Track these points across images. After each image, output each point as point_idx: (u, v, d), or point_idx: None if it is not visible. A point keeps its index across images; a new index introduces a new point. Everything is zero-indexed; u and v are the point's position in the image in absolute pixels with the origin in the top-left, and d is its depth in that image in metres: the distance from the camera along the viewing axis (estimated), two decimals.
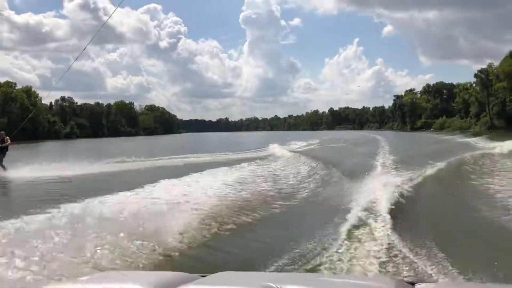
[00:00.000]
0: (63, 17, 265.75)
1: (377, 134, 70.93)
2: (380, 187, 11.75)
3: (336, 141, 47.06)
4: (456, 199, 11.70)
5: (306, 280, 2.19)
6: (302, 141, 44.73)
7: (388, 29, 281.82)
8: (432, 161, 19.04)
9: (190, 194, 10.65)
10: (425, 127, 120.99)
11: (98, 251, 6.25)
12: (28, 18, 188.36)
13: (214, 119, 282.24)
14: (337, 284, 2.17)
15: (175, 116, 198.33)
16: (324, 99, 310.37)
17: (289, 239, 7.54)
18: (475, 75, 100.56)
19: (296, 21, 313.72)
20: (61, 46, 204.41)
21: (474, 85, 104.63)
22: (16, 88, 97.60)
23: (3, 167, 18.37)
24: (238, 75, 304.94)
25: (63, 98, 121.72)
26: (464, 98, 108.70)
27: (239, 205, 10.14)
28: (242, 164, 19.32)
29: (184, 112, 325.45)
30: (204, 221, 8.39)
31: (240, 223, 8.87)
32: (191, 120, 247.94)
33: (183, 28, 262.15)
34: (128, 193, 10.78)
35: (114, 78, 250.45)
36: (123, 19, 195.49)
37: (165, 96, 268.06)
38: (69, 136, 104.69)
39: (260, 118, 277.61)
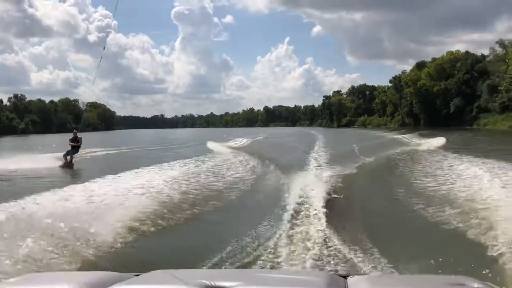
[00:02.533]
0: None
1: (310, 130, 74.97)
2: (315, 181, 11.48)
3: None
4: (387, 193, 11.50)
5: (240, 276, 2.07)
6: (244, 137, 44.26)
7: (317, 29, 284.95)
8: (364, 156, 19.07)
9: (124, 191, 9.87)
10: (350, 124, 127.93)
11: (26, 251, 5.57)
12: None
13: (147, 116, 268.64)
14: (271, 279, 2.11)
15: (115, 113, 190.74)
16: (256, 97, 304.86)
17: (225, 235, 7.14)
18: (390, 81, 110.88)
19: (228, 18, 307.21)
20: None
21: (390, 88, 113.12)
22: None
23: (71, 162, 19.42)
24: (170, 71, 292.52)
25: (16, 96, 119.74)
26: (382, 99, 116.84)
27: (176, 202, 9.47)
28: (179, 161, 18.13)
29: (114, 108, 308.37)
30: (139, 219, 7.74)
31: (176, 220, 8.30)
32: (125, 116, 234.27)
33: (113, 22, 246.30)
34: (60, 190, 9.82)
35: (40, 73, 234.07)
36: (50, 12, 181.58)
37: (93, 91, 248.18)
38: (24, 132, 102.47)
39: (196, 115, 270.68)
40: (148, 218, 7.92)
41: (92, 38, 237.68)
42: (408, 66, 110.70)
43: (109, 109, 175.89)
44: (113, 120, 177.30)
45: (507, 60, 67.74)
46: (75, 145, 19.90)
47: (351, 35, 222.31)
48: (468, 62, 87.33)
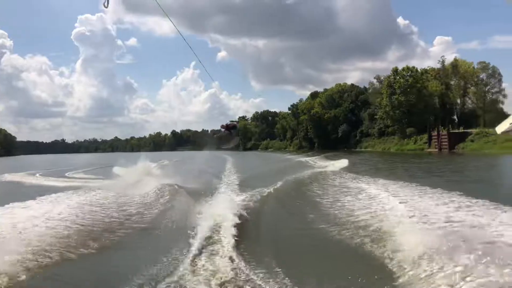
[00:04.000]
0: None
1: (218, 153, 74.94)
2: (225, 206, 11.12)
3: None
4: (296, 215, 11.36)
5: None
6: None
7: (222, 54, 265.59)
8: (273, 179, 18.75)
9: (23, 221, 9.11)
10: (254, 147, 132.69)
11: None
12: None
13: (46, 141, 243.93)
14: None
15: (15, 138, 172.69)
16: (162, 120, 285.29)
17: (131, 265, 6.78)
18: (289, 108, 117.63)
19: (132, 41, 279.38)
20: None
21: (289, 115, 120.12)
22: None
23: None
24: (69, 93, 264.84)
25: None
26: (282, 125, 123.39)
27: (80, 232, 8.80)
28: (85, 188, 16.73)
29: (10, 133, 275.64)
30: (39, 251, 7.12)
31: (81, 251, 7.70)
32: (24, 141, 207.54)
33: (9, 42, 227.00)
34: None
35: None
36: None
37: None
38: None
39: (99, 140, 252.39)
40: (51, 249, 7.33)
41: None
42: (307, 92, 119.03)
43: (9, 134, 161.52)
44: (14, 145, 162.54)
45: (382, 93, 76.81)
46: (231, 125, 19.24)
47: (255, 61, 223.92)
48: (353, 93, 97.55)
